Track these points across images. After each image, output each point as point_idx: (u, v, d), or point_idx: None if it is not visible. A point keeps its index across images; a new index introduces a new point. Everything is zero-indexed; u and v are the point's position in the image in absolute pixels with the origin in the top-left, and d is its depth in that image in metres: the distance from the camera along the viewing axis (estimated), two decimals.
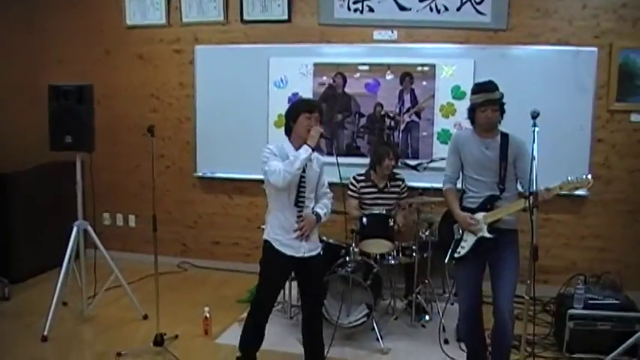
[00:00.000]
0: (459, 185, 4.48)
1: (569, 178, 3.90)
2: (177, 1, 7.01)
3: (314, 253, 4.21)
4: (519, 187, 4.25)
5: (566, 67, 6.04)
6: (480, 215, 4.13)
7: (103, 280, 5.64)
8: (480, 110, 4.11)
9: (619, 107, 6.12)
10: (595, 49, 6.02)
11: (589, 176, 3.86)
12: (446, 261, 4.33)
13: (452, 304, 5.58)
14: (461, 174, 4.41)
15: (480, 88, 4.17)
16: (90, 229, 5.47)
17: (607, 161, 6.23)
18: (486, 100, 4.07)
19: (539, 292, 4.34)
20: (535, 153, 3.65)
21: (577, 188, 3.93)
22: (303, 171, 4.05)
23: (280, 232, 4.13)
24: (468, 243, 4.19)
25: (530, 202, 3.58)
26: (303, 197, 4.13)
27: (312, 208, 4.22)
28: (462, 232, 4.24)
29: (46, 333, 5.07)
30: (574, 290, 4.95)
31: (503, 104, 4.13)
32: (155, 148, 4.89)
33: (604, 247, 6.35)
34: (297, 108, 4.16)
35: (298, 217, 4.11)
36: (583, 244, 6.39)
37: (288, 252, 4.12)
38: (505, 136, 4.16)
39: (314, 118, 4.06)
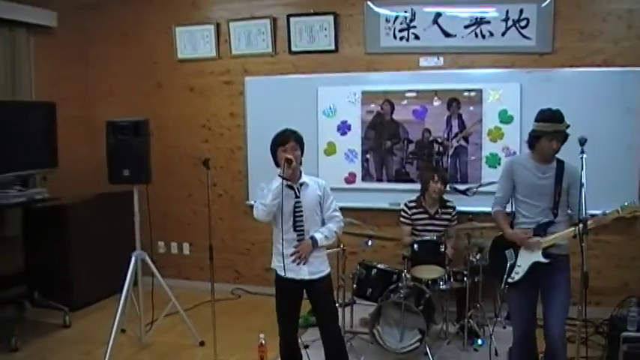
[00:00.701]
0: (508, 208, 4.52)
1: (627, 203, 3.93)
2: (226, 35, 7.19)
3: (315, 277, 4.34)
4: (569, 212, 4.29)
5: (612, 88, 6.03)
6: (534, 240, 4.18)
7: (159, 308, 5.80)
8: (547, 139, 4.14)
9: None
10: None
11: None
12: (502, 287, 4.38)
13: (504, 327, 5.61)
14: (511, 198, 4.46)
15: (549, 117, 4.17)
16: (147, 258, 5.64)
17: None
18: (556, 132, 4.11)
19: (591, 314, 4.38)
20: (584, 180, 3.69)
21: (636, 212, 3.93)
22: (298, 197, 4.28)
23: (280, 258, 4.30)
24: (522, 268, 4.23)
25: (580, 228, 3.62)
26: (302, 222, 4.30)
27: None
28: (516, 257, 4.27)
29: None
30: (627, 312, 4.92)
31: (567, 135, 4.16)
32: (206, 177, 5.09)
33: None
34: (273, 144, 4.35)
35: (298, 241, 4.30)
36: (635, 264, 6.30)
37: (289, 275, 4.32)
38: (561, 163, 4.21)
39: (289, 148, 4.25)
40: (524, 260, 4.24)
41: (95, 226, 6.97)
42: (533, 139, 4.25)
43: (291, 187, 4.27)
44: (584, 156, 3.75)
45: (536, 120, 4.24)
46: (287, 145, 4.26)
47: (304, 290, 4.43)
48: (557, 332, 4.07)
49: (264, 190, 4.23)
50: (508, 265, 4.32)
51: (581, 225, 3.63)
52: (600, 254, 6.21)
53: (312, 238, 4.30)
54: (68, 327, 6.22)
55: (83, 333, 6.10)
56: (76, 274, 6.71)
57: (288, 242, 4.28)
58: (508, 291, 4.39)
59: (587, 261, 3.57)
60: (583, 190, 3.68)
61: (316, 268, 4.36)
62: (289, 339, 4.51)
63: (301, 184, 4.33)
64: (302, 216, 4.29)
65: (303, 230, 4.30)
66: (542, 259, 4.16)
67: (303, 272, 4.30)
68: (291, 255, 4.26)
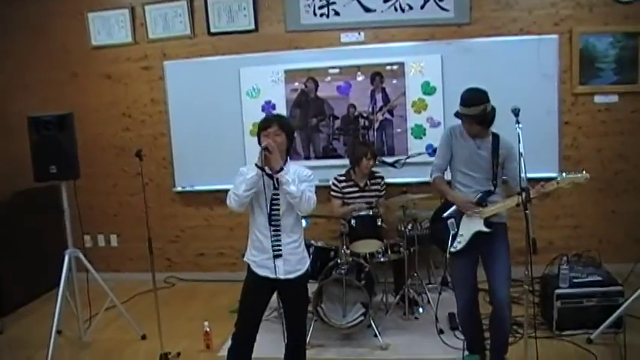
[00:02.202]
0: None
1: (565, 174, 4.06)
2: (142, 18, 7.01)
3: (291, 276, 4.01)
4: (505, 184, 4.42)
5: (529, 55, 6.24)
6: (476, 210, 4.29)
7: (95, 304, 5.62)
8: (466, 122, 4.24)
9: (582, 90, 6.37)
10: (556, 36, 6.25)
11: (584, 172, 4.02)
12: (447, 256, 4.42)
13: (439, 293, 5.73)
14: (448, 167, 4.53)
15: (465, 100, 4.20)
16: (81, 255, 5.44)
17: (575, 142, 6.49)
18: (469, 116, 4.18)
19: (520, 274, 4.55)
20: (522, 150, 3.79)
21: (574, 183, 4.05)
22: (277, 188, 3.91)
23: (256, 252, 4.03)
24: (464, 237, 4.33)
25: (523, 198, 3.73)
26: (278, 216, 3.95)
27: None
28: (458, 227, 4.38)
29: None
30: (558, 270, 5.12)
31: (485, 117, 4.18)
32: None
33: (578, 225, 6.63)
34: (258, 128, 3.99)
35: (274, 236, 3.95)
36: (558, 223, 6.64)
37: (263, 273, 3.99)
38: (496, 137, 4.29)
39: (272, 133, 3.88)
40: (467, 229, 4.33)
41: (16, 225, 6.66)
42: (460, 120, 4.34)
43: (270, 177, 3.89)
44: (520, 125, 3.85)
45: (459, 102, 4.28)
46: (269, 129, 3.89)
47: (275, 289, 4.09)
48: (504, 295, 4.19)
49: (242, 177, 3.85)
50: (450, 234, 4.40)
51: (524, 194, 3.74)
52: None
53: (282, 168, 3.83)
54: (1, 333, 5.97)
55: (18, 338, 5.84)
56: (2, 276, 6.37)
57: (264, 237, 3.96)
58: (450, 259, 4.47)
59: (533, 231, 3.69)
60: (522, 159, 3.78)
61: (292, 266, 4.01)
62: (245, 342, 4.09)
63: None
64: (279, 210, 3.94)
65: (279, 226, 3.95)
66: (485, 229, 4.26)
67: (279, 271, 3.94)
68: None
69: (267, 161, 3.81)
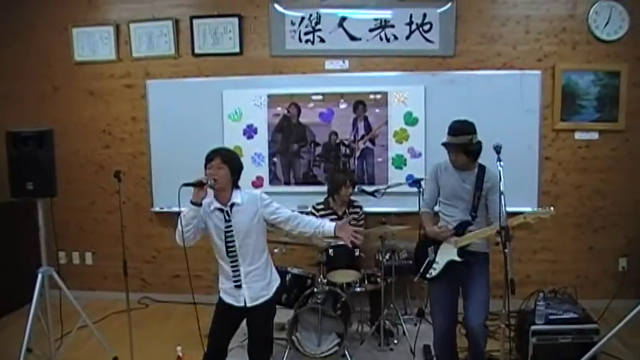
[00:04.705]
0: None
1: (533, 209, 4.13)
2: (126, 36, 6.96)
3: (257, 303, 4.07)
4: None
5: (512, 89, 6.29)
6: (452, 240, 4.31)
7: (67, 322, 5.47)
8: (450, 151, 4.30)
9: (564, 126, 6.42)
10: (539, 72, 6.31)
11: (551, 208, 4.07)
12: (415, 279, 4.56)
13: (415, 324, 5.72)
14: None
15: (451, 130, 4.29)
16: (55, 274, 5.33)
17: (555, 177, 6.53)
18: (448, 144, 4.27)
19: (497, 307, 4.56)
20: (502, 188, 3.81)
21: (540, 217, 4.09)
22: (228, 220, 3.98)
23: (224, 279, 4.14)
24: (439, 265, 4.41)
25: (502, 237, 3.74)
26: (233, 248, 4.01)
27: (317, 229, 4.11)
28: (435, 255, 4.40)
29: None
30: (535, 306, 5.12)
31: (471, 148, 4.25)
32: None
33: (555, 260, 6.66)
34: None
35: (232, 267, 4.04)
36: (535, 257, 6.67)
37: (229, 300, 4.11)
38: (482, 168, 4.35)
39: (214, 165, 3.95)
40: (442, 258, 4.41)
41: None
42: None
43: (221, 210, 4.00)
44: (502, 163, 3.88)
45: (447, 132, 4.35)
46: (213, 162, 3.96)
47: (243, 317, 4.18)
48: (476, 322, 4.21)
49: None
50: (427, 260, 4.46)
51: (503, 232, 3.76)
52: None
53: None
54: None
55: None
56: None
57: (227, 266, 4.07)
58: (430, 287, 4.56)
59: (512, 271, 3.69)
60: (503, 197, 3.81)
61: (256, 293, 4.07)
62: None
63: (232, 206, 4.00)
64: (233, 242, 3.99)
65: (236, 257, 4.02)
66: (457, 258, 4.33)
67: (243, 299, 4.04)
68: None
69: (201, 197, 3.89)
